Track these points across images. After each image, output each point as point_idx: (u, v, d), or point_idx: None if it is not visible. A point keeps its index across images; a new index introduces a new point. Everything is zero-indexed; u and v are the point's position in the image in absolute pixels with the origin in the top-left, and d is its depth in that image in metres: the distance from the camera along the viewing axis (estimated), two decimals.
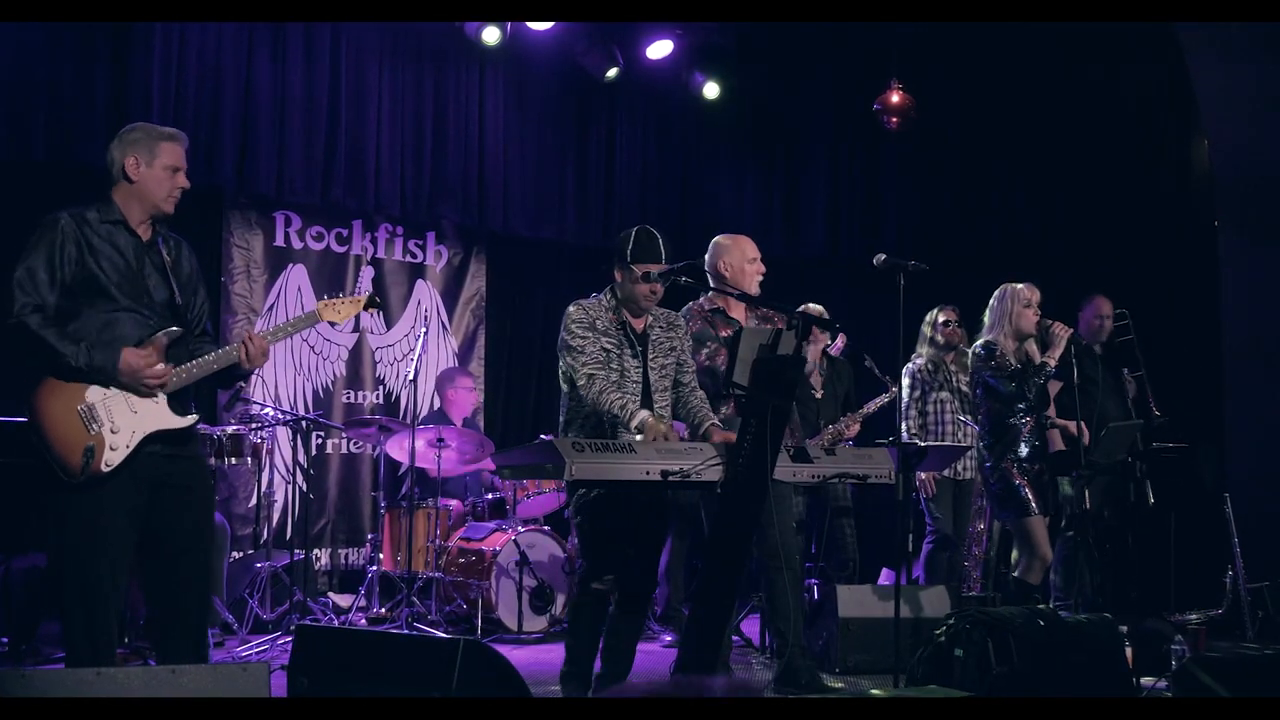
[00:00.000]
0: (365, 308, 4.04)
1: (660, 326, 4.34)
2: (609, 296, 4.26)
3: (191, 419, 3.69)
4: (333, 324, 4.06)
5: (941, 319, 6.45)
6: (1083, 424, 5.68)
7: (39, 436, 3.49)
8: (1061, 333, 5.48)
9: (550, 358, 4.33)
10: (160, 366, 3.57)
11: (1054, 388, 6.02)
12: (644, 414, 4.00)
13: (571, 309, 4.22)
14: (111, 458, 3.50)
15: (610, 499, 4.07)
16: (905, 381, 6.44)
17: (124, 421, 3.53)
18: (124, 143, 3.71)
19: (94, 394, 3.52)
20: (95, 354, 3.49)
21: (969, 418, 6.32)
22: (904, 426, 6.29)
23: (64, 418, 3.48)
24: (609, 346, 4.17)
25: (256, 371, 4.79)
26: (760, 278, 5.03)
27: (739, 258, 5.00)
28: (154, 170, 3.67)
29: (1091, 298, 6.53)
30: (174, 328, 3.66)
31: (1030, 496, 5.43)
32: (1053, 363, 5.45)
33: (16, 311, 3.49)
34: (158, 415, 3.59)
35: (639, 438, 3.89)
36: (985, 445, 5.61)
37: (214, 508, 3.87)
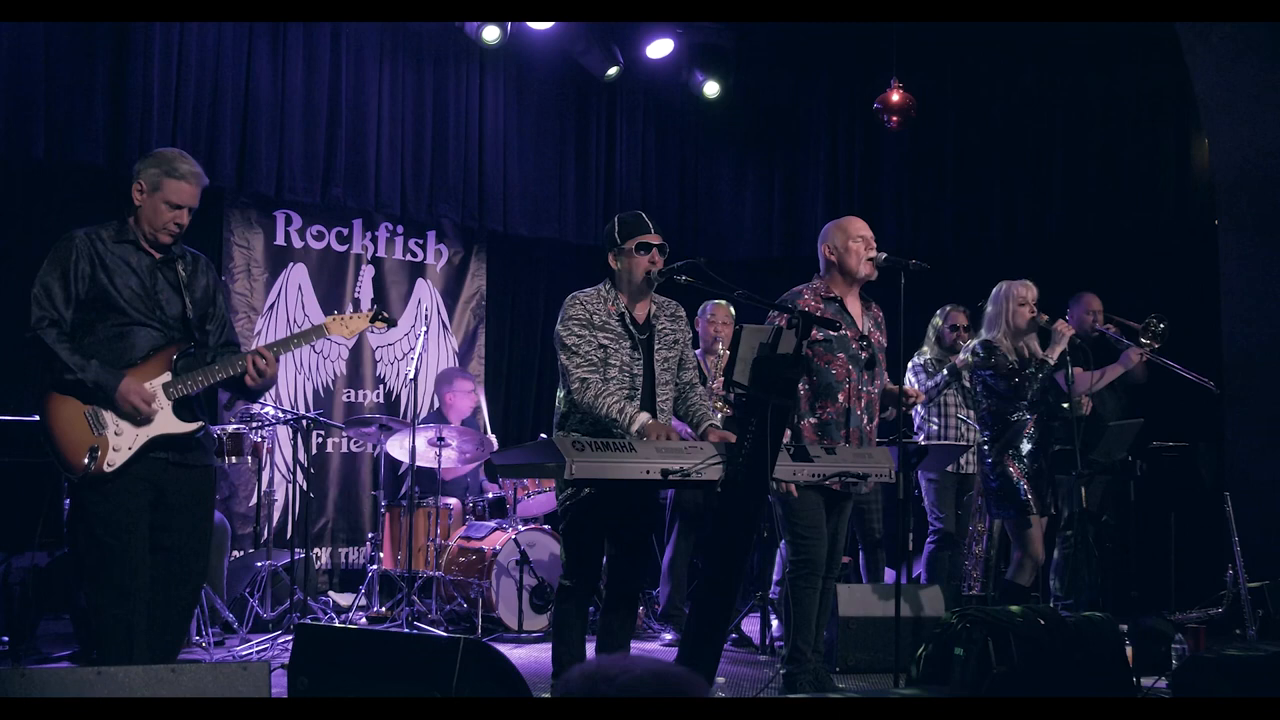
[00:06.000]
0: (373, 322, 4.16)
1: (665, 316, 4.29)
2: (608, 286, 4.24)
3: (196, 425, 3.83)
4: (337, 339, 4.18)
5: (950, 323, 6.46)
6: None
7: (46, 436, 3.66)
8: (1064, 330, 5.49)
9: (551, 357, 4.33)
10: (152, 405, 3.71)
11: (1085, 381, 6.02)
12: (643, 417, 3.97)
13: (568, 303, 4.19)
14: (114, 458, 3.66)
15: (598, 499, 4.03)
16: (910, 376, 6.46)
17: (127, 425, 3.70)
18: (142, 165, 3.87)
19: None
20: (101, 374, 3.66)
21: (970, 414, 6.33)
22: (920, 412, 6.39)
23: (71, 419, 3.65)
24: (606, 341, 4.11)
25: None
26: (870, 255, 4.62)
27: (841, 238, 4.64)
28: (153, 201, 3.81)
29: (1080, 295, 6.52)
30: (184, 341, 3.83)
31: (1029, 496, 5.42)
32: (1053, 360, 5.46)
33: (33, 325, 3.68)
34: (162, 420, 3.75)
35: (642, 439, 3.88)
36: (986, 441, 5.60)
37: (211, 524, 4.00)
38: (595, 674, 1.61)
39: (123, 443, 3.67)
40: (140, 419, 3.70)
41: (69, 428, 3.64)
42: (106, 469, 3.64)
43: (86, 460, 3.59)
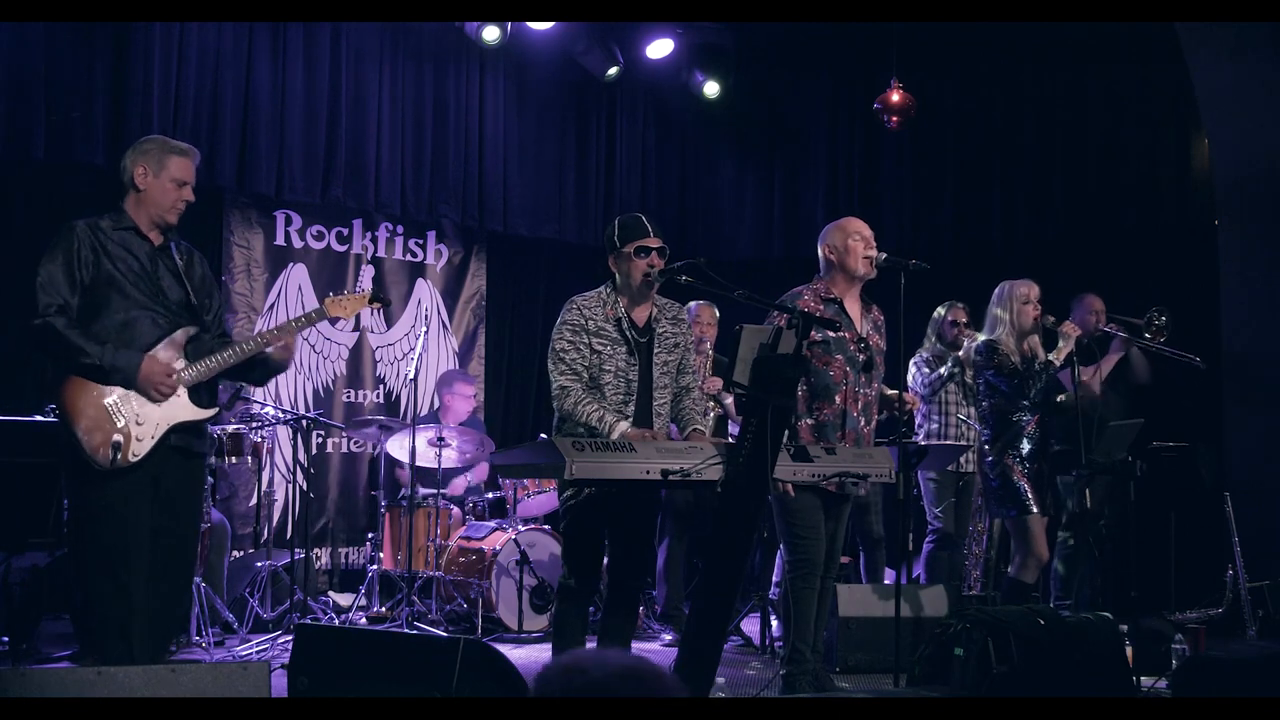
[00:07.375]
0: (370, 303, 4.23)
1: (666, 319, 4.27)
2: (608, 289, 4.23)
3: (213, 410, 3.88)
4: (334, 320, 4.22)
5: (950, 319, 6.46)
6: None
7: (68, 430, 3.63)
8: (1071, 331, 5.49)
9: None
10: (173, 378, 3.73)
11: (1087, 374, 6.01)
12: (622, 426, 3.95)
13: (565, 308, 4.18)
14: (138, 448, 3.67)
15: (597, 500, 4.02)
16: (912, 371, 6.46)
17: (148, 414, 3.70)
18: (137, 152, 3.88)
19: (118, 389, 3.68)
20: (119, 356, 3.65)
21: (970, 414, 6.33)
22: (921, 411, 6.39)
23: (92, 412, 3.64)
24: (600, 347, 4.10)
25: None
26: (870, 253, 4.59)
27: (840, 237, 4.62)
28: (160, 181, 3.83)
29: (1082, 296, 6.53)
30: (191, 326, 3.84)
31: (1030, 495, 5.42)
32: (1059, 361, 5.45)
33: (41, 312, 3.65)
34: (180, 407, 3.77)
35: None
36: (987, 440, 5.60)
37: (202, 509, 4.03)
38: (571, 667, 1.63)
39: (144, 432, 3.67)
40: (165, 395, 3.70)
41: (90, 421, 3.62)
42: (132, 459, 3.64)
43: (111, 453, 3.59)
